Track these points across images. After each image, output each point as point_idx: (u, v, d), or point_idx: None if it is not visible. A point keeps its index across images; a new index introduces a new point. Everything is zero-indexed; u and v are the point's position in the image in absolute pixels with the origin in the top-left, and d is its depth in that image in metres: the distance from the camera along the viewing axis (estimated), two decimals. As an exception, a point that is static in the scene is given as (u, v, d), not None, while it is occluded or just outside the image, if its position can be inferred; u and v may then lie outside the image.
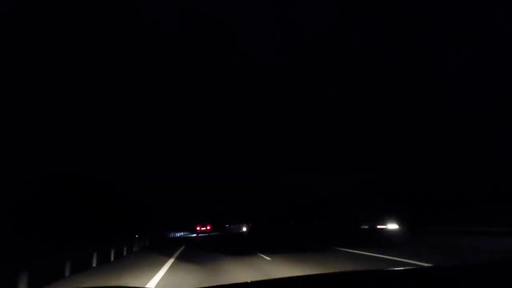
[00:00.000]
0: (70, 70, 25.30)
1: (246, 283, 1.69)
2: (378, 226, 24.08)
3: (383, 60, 28.13)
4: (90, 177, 22.96)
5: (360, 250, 12.66)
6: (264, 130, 45.38)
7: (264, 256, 12.92)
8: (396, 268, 1.85)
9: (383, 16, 26.47)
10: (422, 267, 3.20)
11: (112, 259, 14.69)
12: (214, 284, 1.88)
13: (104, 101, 30.03)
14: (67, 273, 10.70)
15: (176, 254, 16.17)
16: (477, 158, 21.70)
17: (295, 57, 34.71)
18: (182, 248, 20.55)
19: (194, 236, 48.36)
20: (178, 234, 55.72)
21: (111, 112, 31.34)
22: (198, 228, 57.70)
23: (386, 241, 16.50)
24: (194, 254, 16.33)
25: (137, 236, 20.80)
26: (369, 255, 11.19)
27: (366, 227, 26.28)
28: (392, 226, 22.36)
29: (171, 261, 13.37)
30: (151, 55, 35.67)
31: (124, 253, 17.09)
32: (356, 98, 31.17)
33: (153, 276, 9.34)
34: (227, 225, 74.91)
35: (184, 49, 35.27)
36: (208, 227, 58.92)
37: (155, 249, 20.31)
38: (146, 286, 7.49)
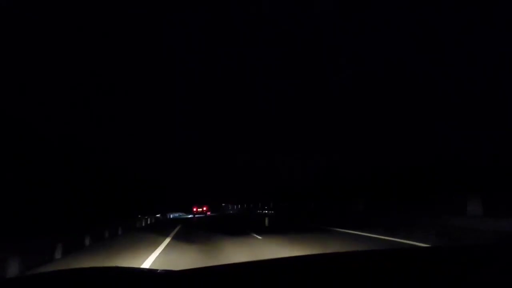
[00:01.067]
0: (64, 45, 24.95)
1: (241, 263, 1.67)
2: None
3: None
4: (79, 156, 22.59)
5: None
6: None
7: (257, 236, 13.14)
8: (392, 249, 1.84)
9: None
10: (419, 247, 3.22)
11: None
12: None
13: (103, 78, 29.65)
14: (57, 255, 10.53)
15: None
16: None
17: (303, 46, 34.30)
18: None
19: (191, 217, 48.43)
20: (171, 216, 54.04)
21: (107, 92, 30.93)
22: (194, 209, 57.57)
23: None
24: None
25: None
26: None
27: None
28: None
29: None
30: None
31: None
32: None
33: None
34: (223, 204, 73.77)
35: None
36: (205, 208, 58.53)
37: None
38: (142, 266, 7.51)
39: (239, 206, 65.79)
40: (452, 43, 24.45)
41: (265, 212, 44.71)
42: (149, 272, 1.90)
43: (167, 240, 13.83)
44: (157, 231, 18.91)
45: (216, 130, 49.79)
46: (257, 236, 12.97)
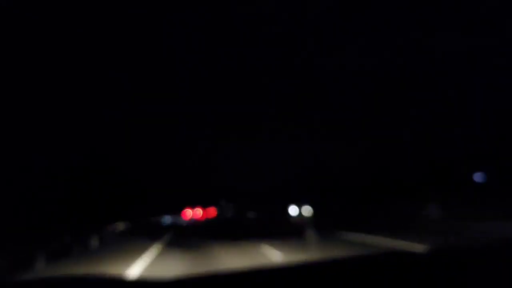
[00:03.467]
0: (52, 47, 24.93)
1: (237, 270, 1.65)
2: None
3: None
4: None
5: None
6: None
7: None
8: (392, 252, 1.82)
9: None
10: (416, 251, 3.19)
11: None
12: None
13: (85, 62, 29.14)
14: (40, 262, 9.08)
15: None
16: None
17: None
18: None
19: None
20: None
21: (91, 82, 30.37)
22: (186, 214, 46.65)
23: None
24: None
25: None
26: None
27: None
28: None
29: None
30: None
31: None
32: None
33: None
34: (222, 202, 63.57)
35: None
36: (198, 212, 46.99)
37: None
38: (126, 274, 7.35)
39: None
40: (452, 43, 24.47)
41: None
42: (138, 280, 1.86)
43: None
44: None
45: (216, 128, 49.50)
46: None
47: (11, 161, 17.44)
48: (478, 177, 21.15)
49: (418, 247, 7.60)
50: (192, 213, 46.33)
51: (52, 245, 9.13)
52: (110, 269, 8.31)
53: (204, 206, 49.38)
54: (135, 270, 7.93)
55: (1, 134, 17.40)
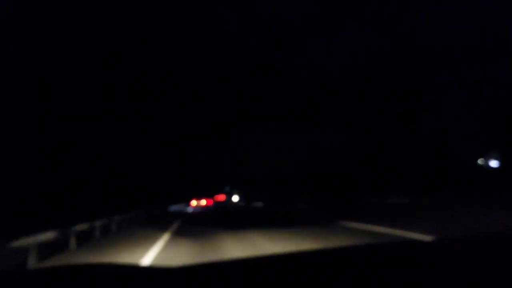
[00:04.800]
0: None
1: (241, 259, 1.65)
2: None
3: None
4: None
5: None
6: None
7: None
8: (397, 242, 1.80)
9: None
10: (423, 241, 3.18)
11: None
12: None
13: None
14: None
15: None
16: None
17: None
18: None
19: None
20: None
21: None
22: (193, 204, 49.33)
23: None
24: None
25: None
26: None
27: None
28: None
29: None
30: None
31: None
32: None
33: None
34: (227, 187, 60.97)
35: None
36: (204, 201, 50.27)
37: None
38: (139, 263, 7.35)
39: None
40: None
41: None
42: (146, 268, 1.86)
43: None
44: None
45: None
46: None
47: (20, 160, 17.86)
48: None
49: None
50: (197, 203, 48.67)
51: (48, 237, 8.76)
52: (126, 254, 8.51)
53: (209, 196, 51.43)
54: (147, 256, 7.97)
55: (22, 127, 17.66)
